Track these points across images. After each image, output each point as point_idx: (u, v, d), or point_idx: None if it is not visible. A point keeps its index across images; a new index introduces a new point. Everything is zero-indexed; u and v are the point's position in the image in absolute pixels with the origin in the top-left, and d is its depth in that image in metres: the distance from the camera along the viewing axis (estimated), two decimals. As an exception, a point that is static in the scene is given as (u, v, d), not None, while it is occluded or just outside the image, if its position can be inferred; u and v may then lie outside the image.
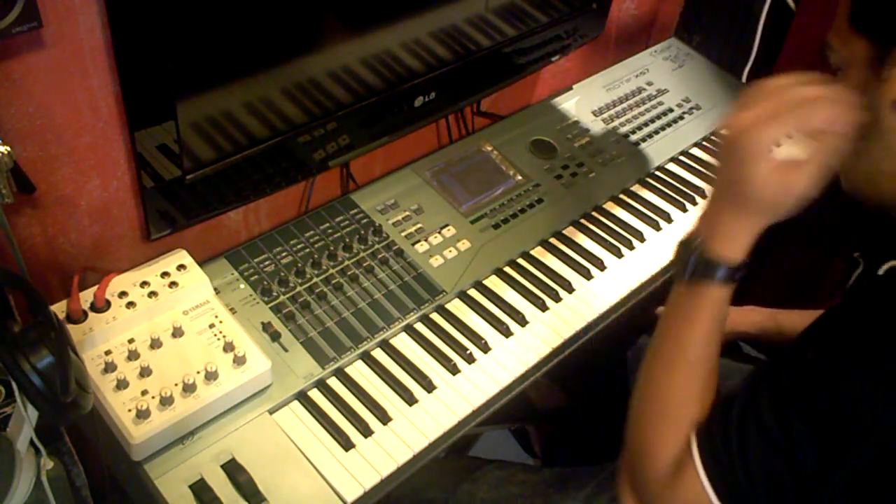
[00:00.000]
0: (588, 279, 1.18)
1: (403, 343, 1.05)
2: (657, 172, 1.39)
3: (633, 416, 0.82)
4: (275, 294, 1.06)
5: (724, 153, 0.76)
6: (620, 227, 1.26)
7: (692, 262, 0.78)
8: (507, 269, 1.17)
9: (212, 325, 0.97)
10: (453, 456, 1.09)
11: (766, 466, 0.70)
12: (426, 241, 1.17)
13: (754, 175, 0.73)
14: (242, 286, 1.06)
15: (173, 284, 0.99)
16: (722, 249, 0.78)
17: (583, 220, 1.27)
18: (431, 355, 1.04)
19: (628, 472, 0.82)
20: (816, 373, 0.70)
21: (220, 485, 0.86)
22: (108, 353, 0.92)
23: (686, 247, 0.80)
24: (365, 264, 1.11)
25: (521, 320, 1.09)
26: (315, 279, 1.09)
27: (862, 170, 0.77)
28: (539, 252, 1.21)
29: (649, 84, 1.56)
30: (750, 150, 0.72)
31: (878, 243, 0.77)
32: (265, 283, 1.06)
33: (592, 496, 1.06)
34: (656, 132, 1.46)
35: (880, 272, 0.72)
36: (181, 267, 1.01)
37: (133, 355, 0.92)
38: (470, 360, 1.04)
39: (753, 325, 1.18)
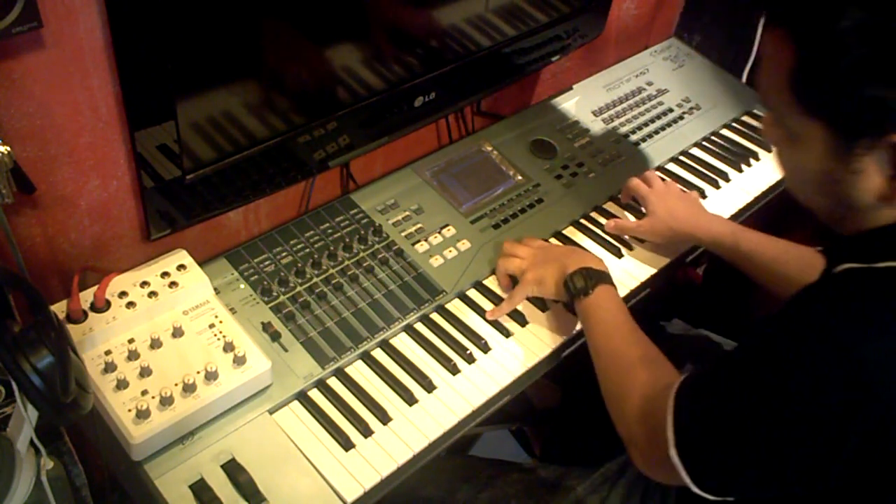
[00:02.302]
0: (588, 279, 1.18)
1: (403, 343, 1.05)
2: (657, 172, 1.39)
3: (601, 381, 0.96)
4: (275, 294, 1.06)
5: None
6: (605, 228, 1.26)
7: (587, 277, 1.02)
8: (507, 269, 1.17)
9: (212, 325, 0.97)
10: (450, 455, 1.09)
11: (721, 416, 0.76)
12: (426, 241, 1.17)
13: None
14: (242, 286, 1.06)
15: (173, 284, 0.99)
16: (597, 265, 1.06)
17: (583, 220, 1.27)
18: (431, 355, 1.04)
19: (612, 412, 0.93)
20: (766, 353, 0.75)
21: (220, 485, 0.86)
22: (108, 353, 0.92)
23: (574, 277, 1.03)
24: (365, 264, 1.11)
25: (522, 320, 1.10)
26: (315, 279, 1.09)
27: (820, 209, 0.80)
28: (539, 252, 1.21)
29: (649, 84, 1.56)
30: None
31: (840, 243, 0.79)
32: (265, 283, 1.06)
33: (584, 496, 1.06)
34: (656, 132, 1.46)
35: (836, 270, 0.75)
36: (181, 267, 1.01)
37: (133, 355, 0.92)
38: (470, 360, 1.04)
39: (711, 234, 1.18)
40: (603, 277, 1.03)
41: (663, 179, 1.30)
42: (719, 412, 0.76)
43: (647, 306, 1.19)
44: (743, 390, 0.75)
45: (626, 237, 1.24)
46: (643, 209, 1.24)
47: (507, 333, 1.08)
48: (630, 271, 1.20)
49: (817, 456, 0.70)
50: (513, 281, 1.12)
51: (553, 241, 1.23)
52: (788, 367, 0.71)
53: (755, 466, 0.74)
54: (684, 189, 1.32)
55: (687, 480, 0.77)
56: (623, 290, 1.16)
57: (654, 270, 1.20)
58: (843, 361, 0.67)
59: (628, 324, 0.99)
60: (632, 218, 1.28)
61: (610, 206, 1.30)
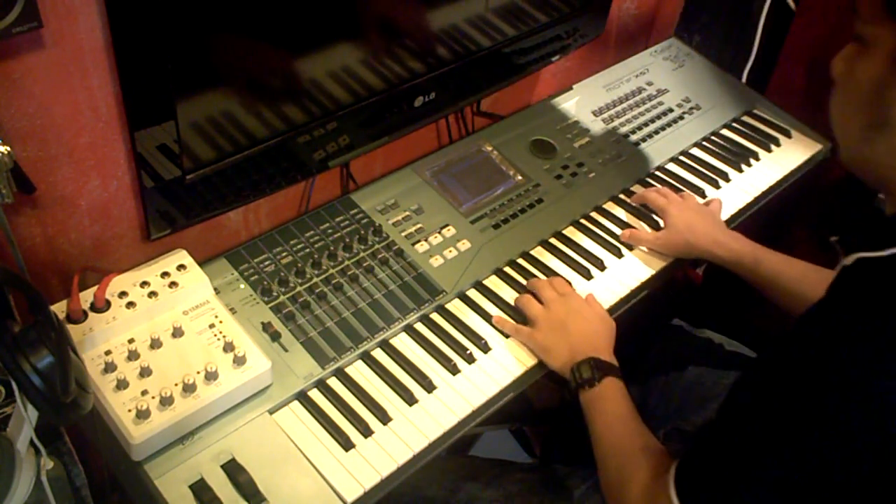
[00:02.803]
0: (588, 279, 1.18)
1: (403, 343, 1.05)
2: (657, 172, 1.39)
3: (601, 472, 0.95)
4: (275, 294, 1.06)
5: None
6: (621, 227, 1.26)
7: (594, 369, 1.00)
8: (507, 269, 1.17)
9: (212, 325, 0.97)
10: (452, 455, 1.09)
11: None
12: (426, 241, 1.17)
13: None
14: (242, 286, 1.06)
15: (173, 284, 0.99)
16: (606, 355, 1.03)
17: (583, 220, 1.27)
18: (431, 355, 1.04)
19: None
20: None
21: (220, 485, 0.86)
22: (108, 353, 0.92)
23: (581, 367, 1.01)
24: (365, 264, 1.11)
25: (523, 321, 1.09)
26: (315, 279, 1.09)
27: (866, 156, 0.76)
28: (539, 252, 1.21)
29: (649, 84, 1.56)
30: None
31: (856, 231, 0.77)
32: (265, 283, 1.06)
33: (587, 495, 1.06)
34: (656, 132, 1.46)
35: (847, 262, 0.73)
36: (181, 267, 1.01)
37: (133, 355, 0.92)
38: (470, 360, 1.04)
39: (732, 253, 1.17)
40: (610, 370, 1.01)
41: (680, 191, 1.30)
42: (725, 483, 0.73)
43: (647, 306, 1.19)
44: (759, 454, 0.71)
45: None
46: (660, 222, 1.24)
47: (507, 333, 1.08)
48: (630, 271, 1.20)
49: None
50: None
51: (553, 241, 1.23)
52: (794, 415, 0.68)
53: None
54: (699, 200, 1.32)
55: None
56: (623, 290, 1.16)
57: (654, 271, 1.20)
58: (863, 401, 0.65)
59: (631, 416, 0.97)
60: (647, 228, 1.27)
61: (610, 207, 1.30)
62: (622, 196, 1.33)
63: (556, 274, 1.17)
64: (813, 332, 0.71)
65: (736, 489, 0.73)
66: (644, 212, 1.29)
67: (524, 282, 1.15)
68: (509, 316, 1.10)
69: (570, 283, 1.14)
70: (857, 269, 0.72)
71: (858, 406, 0.65)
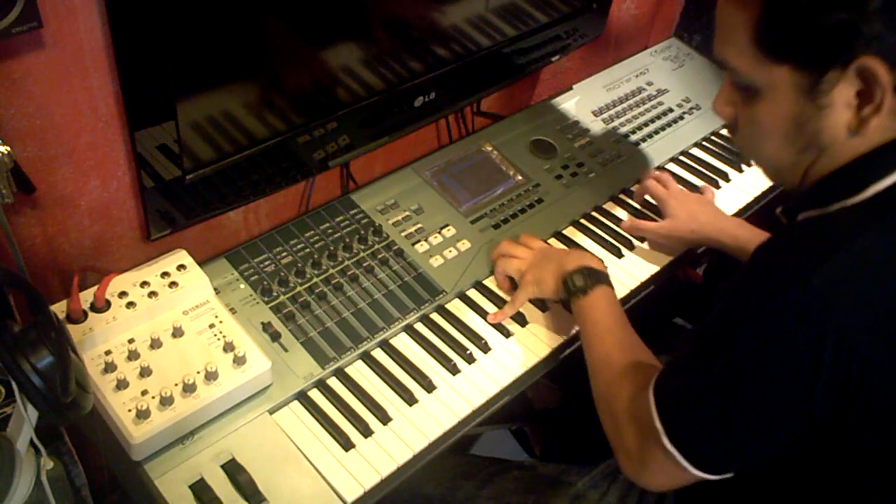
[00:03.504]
0: (588, 279, 1.18)
1: (403, 343, 1.05)
2: (657, 172, 1.39)
3: (592, 381, 0.97)
4: (275, 294, 1.06)
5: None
6: (620, 228, 1.26)
7: (587, 276, 1.02)
8: (507, 269, 1.17)
9: (212, 325, 0.97)
10: (450, 453, 1.09)
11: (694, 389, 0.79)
12: (426, 241, 1.17)
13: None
14: (242, 286, 1.06)
15: (173, 284, 0.99)
16: (597, 265, 1.06)
17: (583, 220, 1.27)
18: (431, 355, 1.04)
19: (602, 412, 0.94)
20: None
21: (220, 485, 0.86)
22: (108, 353, 0.92)
23: (573, 275, 1.03)
24: (365, 264, 1.11)
25: (522, 321, 1.09)
26: (315, 279, 1.09)
27: (801, 169, 0.81)
28: (539, 252, 1.21)
29: (649, 84, 1.56)
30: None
31: (800, 196, 0.82)
32: (265, 283, 1.06)
33: (583, 492, 1.06)
34: (656, 132, 1.46)
35: (794, 221, 0.80)
36: (181, 267, 1.01)
37: (133, 355, 0.92)
38: (470, 360, 1.04)
39: (736, 239, 1.18)
40: (602, 278, 1.03)
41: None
42: (695, 389, 0.78)
43: (647, 306, 1.19)
44: (710, 360, 0.76)
45: (632, 237, 1.24)
46: (663, 211, 1.24)
47: (507, 333, 1.08)
48: (630, 271, 1.20)
49: (796, 400, 0.72)
50: (512, 282, 1.12)
51: (553, 241, 1.23)
52: (745, 323, 0.73)
53: (742, 431, 0.75)
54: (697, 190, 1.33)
55: (686, 465, 0.78)
56: (623, 290, 1.16)
57: (654, 270, 1.20)
58: (796, 299, 0.69)
59: (623, 327, 0.99)
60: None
61: (610, 206, 1.30)
62: (622, 196, 1.33)
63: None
64: (761, 270, 0.76)
65: (700, 397, 0.77)
66: (644, 213, 1.29)
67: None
68: (509, 317, 1.10)
69: (536, 237, 1.16)
70: (801, 225, 0.79)
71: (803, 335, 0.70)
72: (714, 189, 1.34)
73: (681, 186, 1.31)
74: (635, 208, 1.30)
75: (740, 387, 0.74)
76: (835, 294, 0.68)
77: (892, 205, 0.73)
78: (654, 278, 1.20)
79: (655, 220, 1.25)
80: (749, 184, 1.39)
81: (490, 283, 1.15)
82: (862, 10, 0.67)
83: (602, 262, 1.08)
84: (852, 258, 0.70)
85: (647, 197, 1.29)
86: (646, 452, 0.82)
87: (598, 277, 1.03)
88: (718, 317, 0.78)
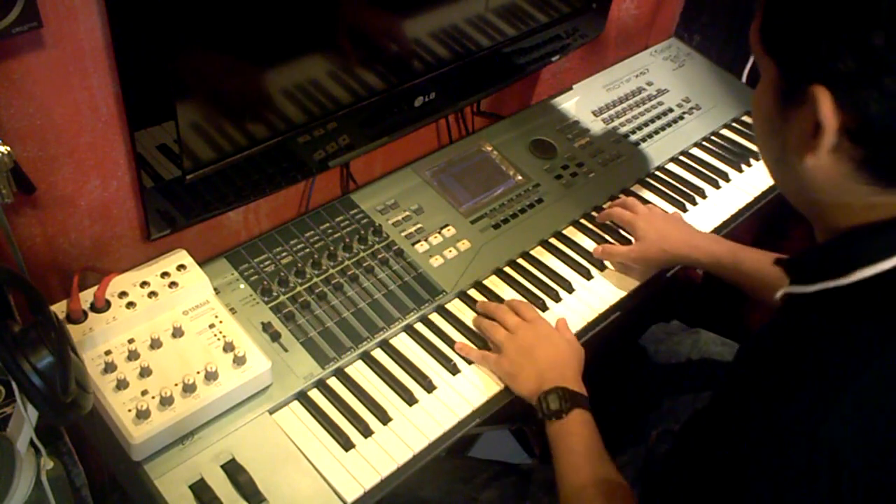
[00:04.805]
0: (588, 279, 1.18)
1: (403, 343, 1.05)
2: (657, 172, 1.39)
3: None
4: (275, 294, 1.06)
5: None
6: (621, 227, 1.26)
7: (563, 399, 0.96)
8: (507, 269, 1.17)
9: (212, 325, 0.97)
10: (448, 456, 1.09)
11: None
12: (426, 241, 1.17)
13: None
14: (242, 286, 1.06)
15: (173, 284, 0.99)
16: (574, 385, 0.99)
17: (583, 220, 1.27)
18: (431, 355, 1.04)
19: None
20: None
21: (220, 485, 0.86)
22: (108, 353, 0.92)
23: (548, 397, 0.97)
24: (365, 264, 1.11)
25: (483, 345, 1.08)
26: (315, 279, 1.09)
27: (783, 186, 0.76)
28: (539, 252, 1.21)
29: (649, 84, 1.56)
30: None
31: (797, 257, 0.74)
32: (265, 283, 1.06)
33: None
34: (656, 132, 1.46)
35: (777, 296, 0.72)
36: (181, 267, 1.01)
37: (133, 355, 0.92)
38: (470, 360, 1.04)
39: (711, 255, 1.14)
40: (578, 401, 0.97)
41: (676, 195, 1.29)
42: None
43: (645, 306, 1.19)
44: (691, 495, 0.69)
45: (629, 236, 1.24)
46: (631, 236, 1.21)
47: (471, 361, 1.07)
48: (631, 271, 1.19)
49: None
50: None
51: (553, 241, 1.23)
52: (753, 476, 0.64)
53: None
54: (665, 210, 1.29)
55: None
56: (623, 291, 1.16)
57: (652, 273, 1.20)
58: (807, 457, 0.61)
59: (598, 457, 0.93)
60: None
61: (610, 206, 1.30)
62: (622, 196, 1.32)
63: (556, 274, 1.17)
64: (748, 376, 0.69)
65: None
66: (605, 237, 1.25)
67: (524, 282, 1.15)
68: (471, 341, 1.07)
69: (535, 309, 1.09)
70: (788, 303, 0.71)
71: (792, 450, 0.63)
72: (691, 205, 1.30)
73: (650, 205, 1.27)
74: (598, 234, 1.26)
75: None
76: (848, 447, 0.61)
77: (885, 312, 0.64)
78: (653, 279, 1.19)
79: (624, 245, 1.21)
80: (749, 184, 1.39)
81: (490, 283, 1.15)
82: (836, 37, 0.60)
83: (580, 381, 1.01)
84: (860, 398, 0.62)
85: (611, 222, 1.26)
86: None
87: (574, 401, 0.97)
88: (719, 457, 0.68)
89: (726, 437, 0.68)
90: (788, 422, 0.63)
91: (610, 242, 1.23)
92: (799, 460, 0.62)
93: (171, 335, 0.95)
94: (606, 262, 1.20)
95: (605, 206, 1.30)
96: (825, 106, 0.62)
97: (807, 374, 0.65)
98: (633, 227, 1.20)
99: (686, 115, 1.51)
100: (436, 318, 1.09)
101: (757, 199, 1.37)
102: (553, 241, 1.23)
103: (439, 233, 1.19)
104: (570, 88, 1.50)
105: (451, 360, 1.03)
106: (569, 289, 1.15)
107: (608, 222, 1.26)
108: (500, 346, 1.04)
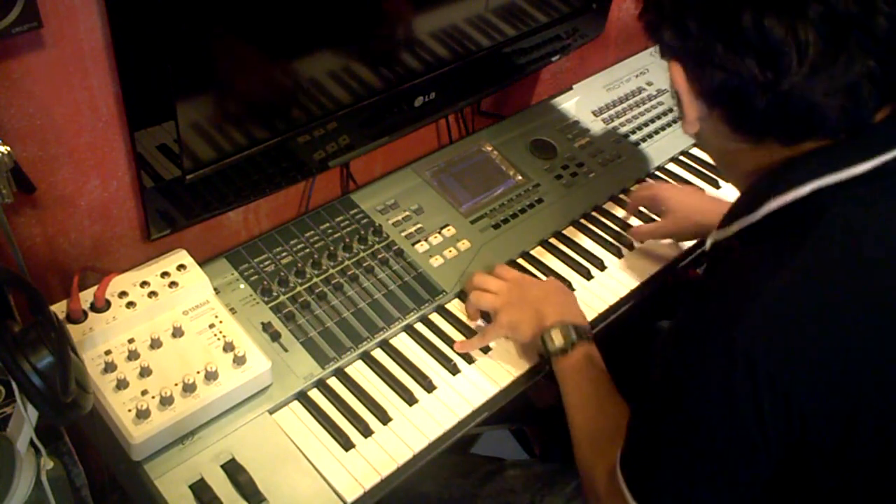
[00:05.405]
0: (588, 279, 1.18)
1: (403, 343, 1.05)
2: (657, 172, 1.39)
3: (574, 446, 0.96)
4: (275, 294, 1.06)
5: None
6: (621, 227, 1.26)
7: (566, 335, 0.99)
8: (507, 269, 1.17)
9: (212, 325, 0.97)
10: (449, 452, 1.09)
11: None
12: (426, 241, 1.17)
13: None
14: (242, 286, 1.06)
15: (173, 284, 0.99)
16: (576, 318, 1.03)
17: (583, 220, 1.27)
18: (431, 355, 1.04)
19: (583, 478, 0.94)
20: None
21: (220, 485, 0.86)
22: (108, 353, 0.92)
23: (552, 333, 1.00)
24: (365, 264, 1.11)
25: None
26: (315, 279, 1.09)
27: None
28: (539, 252, 1.21)
29: (649, 84, 1.56)
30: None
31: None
32: (265, 283, 1.06)
33: (579, 491, 1.06)
34: (656, 132, 1.46)
35: (706, 247, 0.85)
36: (181, 267, 1.01)
37: (133, 355, 0.92)
38: (470, 360, 1.04)
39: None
40: (582, 333, 1.00)
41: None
42: (653, 456, 0.78)
43: (646, 306, 1.19)
44: (659, 424, 0.78)
45: (629, 236, 1.24)
46: (660, 211, 1.22)
47: (480, 349, 1.07)
48: (631, 271, 1.20)
49: (751, 449, 0.72)
50: (483, 315, 1.09)
51: (553, 241, 1.23)
52: (684, 383, 0.75)
53: (711, 492, 0.75)
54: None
55: None
56: (623, 291, 1.16)
57: (654, 270, 1.20)
58: (724, 361, 0.70)
59: (605, 390, 0.97)
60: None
61: (610, 207, 1.30)
62: (622, 196, 1.32)
63: (555, 274, 1.17)
64: (688, 328, 0.78)
65: (653, 463, 0.78)
66: (644, 213, 1.29)
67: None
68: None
69: (512, 269, 1.12)
70: (714, 248, 0.83)
71: (740, 377, 0.70)
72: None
73: (672, 183, 1.30)
74: (599, 234, 1.26)
75: (699, 453, 0.74)
76: (760, 349, 0.69)
77: (789, 233, 0.74)
78: (653, 278, 1.19)
79: (656, 221, 1.23)
80: (749, 184, 1.39)
81: (490, 283, 1.15)
82: (672, 23, 0.76)
83: (580, 310, 1.05)
84: (768, 309, 0.71)
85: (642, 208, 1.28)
86: None
87: (578, 333, 1.00)
88: (659, 378, 0.78)
89: (664, 361, 0.78)
90: (707, 327, 0.73)
91: (612, 243, 1.23)
92: (718, 362, 0.71)
93: (171, 335, 0.95)
94: (606, 263, 1.20)
95: (605, 205, 1.30)
96: (677, 75, 0.79)
97: (723, 287, 0.76)
98: (663, 201, 1.21)
99: (686, 115, 1.51)
100: (436, 318, 1.09)
101: (757, 199, 1.37)
102: (553, 241, 1.23)
103: (439, 233, 1.19)
104: (570, 88, 1.50)
105: (451, 360, 1.03)
106: (568, 289, 1.15)
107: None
108: (493, 308, 1.05)
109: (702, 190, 1.30)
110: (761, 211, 0.76)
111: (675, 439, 0.76)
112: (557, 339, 0.99)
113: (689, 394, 0.74)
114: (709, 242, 0.84)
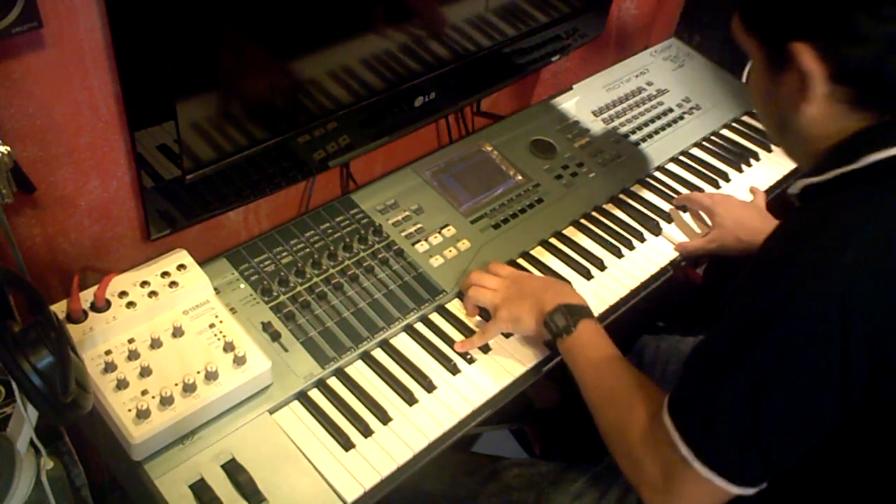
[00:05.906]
0: (588, 279, 1.18)
1: (403, 343, 1.05)
2: (657, 172, 1.39)
3: (597, 419, 0.94)
4: (275, 294, 1.06)
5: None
6: (620, 227, 1.26)
7: (567, 315, 0.99)
8: (507, 269, 1.17)
9: (212, 325, 0.97)
10: (452, 450, 1.09)
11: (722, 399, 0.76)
12: (426, 241, 1.17)
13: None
14: (242, 286, 1.06)
15: (173, 284, 0.99)
16: (574, 299, 1.03)
17: (583, 220, 1.27)
18: (431, 355, 1.04)
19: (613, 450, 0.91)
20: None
21: (220, 485, 0.86)
22: (108, 353, 0.92)
23: (554, 316, 1.00)
24: (365, 264, 1.11)
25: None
26: (315, 279, 1.09)
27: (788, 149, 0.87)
28: (539, 252, 1.21)
29: (649, 84, 1.56)
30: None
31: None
32: (265, 282, 1.06)
33: (584, 490, 1.06)
34: (656, 132, 1.46)
35: (795, 190, 0.81)
36: (181, 267, 1.01)
37: (133, 355, 0.92)
38: (470, 360, 1.04)
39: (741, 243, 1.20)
40: (583, 312, 1.01)
41: (679, 193, 1.31)
42: (722, 402, 0.75)
43: (646, 306, 1.19)
44: (734, 367, 0.74)
45: (633, 238, 1.24)
46: (710, 220, 1.25)
47: (507, 334, 1.08)
48: (630, 271, 1.20)
49: (831, 393, 0.71)
50: (482, 312, 1.09)
51: (553, 241, 1.23)
52: (769, 322, 0.72)
53: (780, 434, 0.74)
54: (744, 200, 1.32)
55: (723, 484, 0.75)
56: (622, 291, 1.16)
57: (654, 270, 1.20)
58: (820, 293, 0.69)
59: (617, 358, 0.97)
60: (658, 227, 1.26)
61: (610, 206, 1.30)
62: (622, 196, 1.33)
63: (555, 274, 1.17)
64: (776, 263, 0.76)
65: (728, 409, 0.75)
66: (644, 213, 1.29)
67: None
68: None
69: (506, 265, 1.12)
70: (803, 194, 0.80)
71: (806, 322, 0.70)
72: (763, 191, 1.34)
73: (727, 194, 1.31)
74: (635, 208, 1.30)
75: (774, 390, 0.72)
76: (854, 284, 0.68)
77: (889, 183, 0.73)
78: (653, 278, 1.20)
79: (701, 232, 1.25)
80: (749, 184, 1.39)
81: (490, 283, 1.15)
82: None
83: (576, 291, 1.06)
84: (866, 245, 0.69)
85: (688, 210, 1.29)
86: (674, 481, 0.79)
87: (579, 312, 1.00)
88: (735, 320, 0.76)
89: (743, 303, 0.76)
90: (802, 259, 0.71)
91: (612, 243, 1.23)
92: (811, 293, 0.69)
93: (171, 335, 0.95)
94: (606, 262, 1.20)
95: (605, 206, 1.30)
96: (807, 57, 0.72)
97: (819, 223, 0.73)
98: (711, 213, 1.23)
99: (686, 115, 1.51)
100: (436, 317, 1.09)
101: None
102: (553, 241, 1.23)
103: (439, 233, 1.19)
104: (570, 88, 1.50)
105: (451, 360, 1.03)
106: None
107: (680, 206, 1.30)
108: (493, 304, 1.05)
109: (752, 203, 1.29)
110: (863, 161, 0.73)
111: (751, 380, 0.73)
112: (560, 320, 1.00)
113: (774, 329, 0.71)
114: (799, 185, 0.80)
